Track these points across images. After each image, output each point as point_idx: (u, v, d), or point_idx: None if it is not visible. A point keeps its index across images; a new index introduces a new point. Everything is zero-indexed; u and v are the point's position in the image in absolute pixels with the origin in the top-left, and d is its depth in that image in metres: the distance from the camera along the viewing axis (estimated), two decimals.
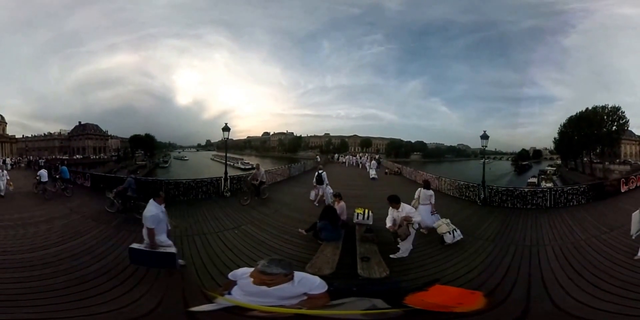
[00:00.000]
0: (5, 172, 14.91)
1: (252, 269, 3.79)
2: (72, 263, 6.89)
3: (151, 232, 6.25)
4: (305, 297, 3.78)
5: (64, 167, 16.02)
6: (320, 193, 12.99)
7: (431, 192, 9.88)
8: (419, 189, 10.00)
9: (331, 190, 12.60)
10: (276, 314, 3.61)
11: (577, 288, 5.81)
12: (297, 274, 3.82)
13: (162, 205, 6.57)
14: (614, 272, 6.40)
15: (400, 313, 4.11)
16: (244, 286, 3.79)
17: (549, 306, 5.20)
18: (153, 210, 6.34)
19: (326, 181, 13.20)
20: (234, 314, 3.72)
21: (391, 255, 7.40)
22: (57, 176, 15.43)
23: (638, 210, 7.18)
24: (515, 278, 6.39)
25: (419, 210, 8.98)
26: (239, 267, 4.08)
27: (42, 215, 10.92)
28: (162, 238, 6.45)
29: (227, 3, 46.20)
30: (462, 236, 8.66)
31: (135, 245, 6.48)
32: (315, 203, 12.86)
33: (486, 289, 5.79)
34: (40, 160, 29.02)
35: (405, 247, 7.51)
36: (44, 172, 14.83)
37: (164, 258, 6.41)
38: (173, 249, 6.53)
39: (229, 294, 3.88)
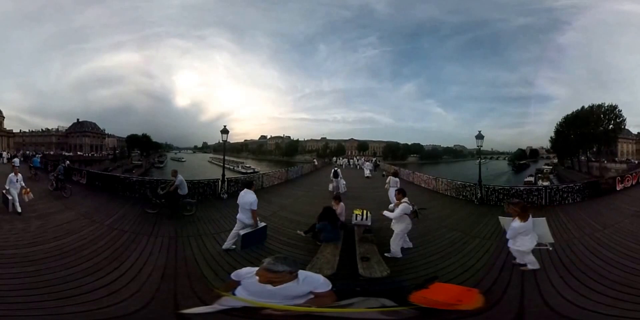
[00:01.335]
0: (19, 176, 11.37)
1: (255, 269, 3.74)
2: None
3: (255, 213, 7.98)
4: (311, 296, 3.74)
5: (36, 159, 22.48)
6: (336, 184, 16.56)
7: (397, 179, 13.87)
8: (389, 176, 14.09)
9: (344, 182, 16.82)
10: (290, 312, 3.55)
11: (567, 287, 5.81)
12: (301, 273, 3.77)
13: None
14: (604, 271, 6.41)
15: (413, 311, 4.12)
16: (248, 286, 3.73)
17: (541, 305, 5.20)
18: (254, 196, 8.01)
19: (340, 175, 16.98)
20: (231, 315, 3.65)
21: (386, 254, 7.52)
22: (31, 165, 20.46)
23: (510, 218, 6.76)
24: (510, 277, 6.41)
25: (390, 191, 12.08)
26: (235, 269, 4.04)
27: (33, 212, 10.78)
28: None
29: (234, 4, 46.23)
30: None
31: (243, 231, 7.93)
32: (334, 193, 15.36)
33: (482, 287, 5.79)
34: (37, 155, 29.33)
35: (394, 245, 7.66)
36: (17, 160, 20.63)
37: (262, 232, 8.41)
38: (262, 224, 8.40)
39: (233, 294, 3.81)
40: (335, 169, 17.67)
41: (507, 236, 6.45)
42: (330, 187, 16.78)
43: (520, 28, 40.22)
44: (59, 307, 4.94)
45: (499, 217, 7.14)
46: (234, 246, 7.90)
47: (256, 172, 37.70)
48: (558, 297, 5.48)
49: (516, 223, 6.26)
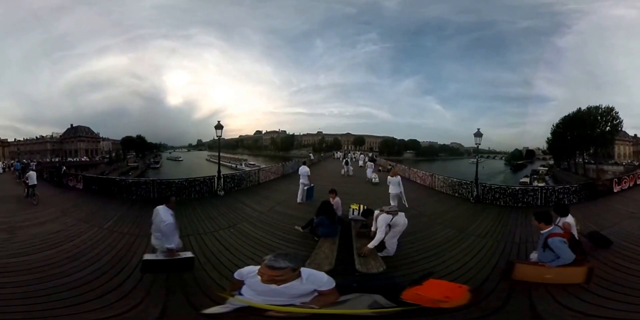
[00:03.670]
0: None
1: (258, 267, 3.67)
2: None
3: (310, 177, 13.79)
4: (316, 294, 3.71)
5: (17, 163, 26.59)
6: (347, 169, 23.57)
7: (372, 163, 23.20)
8: (368, 162, 24.34)
9: (352, 168, 24.21)
10: (292, 314, 3.51)
11: (555, 287, 5.71)
12: (304, 270, 3.70)
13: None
14: (600, 271, 6.26)
15: (402, 310, 4.11)
16: (252, 285, 3.68)
17: (524, 305, 5.17)
18: (307, 168, 14.11)
19: (350, 163, 24.82)
20: (247, 313, 3.59)
21: (379, 253, 7.46)
22: (13, 168, 25.04)
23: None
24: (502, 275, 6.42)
25: (367, 171, 21.05)
26: (237, 266, 3.96)
27: (31, 219, 10.62)
28: None
29: (215, 4, 45.91)
30: (378, 180, 15.87)
31: (305, 187, 13.26)
32: (345, 175, 23.01)
33: (473, 284, 5.80)
34: (32, 164, 29.17)
35: (387, 244, 7.61)
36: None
37: (313, 189, 13.50)
38: (312, 184, 13.72)
39: (240, 294, 3.76)
40: (347, 159, 28.34)
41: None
42: (342, 171, 23.85)
43: (523, 30, 40.57)
44: (68, 315, 4.77)
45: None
46: (302, 200, 12.95)
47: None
48: (545, 295, 5.47)
49: (389, 177, 12.38)
